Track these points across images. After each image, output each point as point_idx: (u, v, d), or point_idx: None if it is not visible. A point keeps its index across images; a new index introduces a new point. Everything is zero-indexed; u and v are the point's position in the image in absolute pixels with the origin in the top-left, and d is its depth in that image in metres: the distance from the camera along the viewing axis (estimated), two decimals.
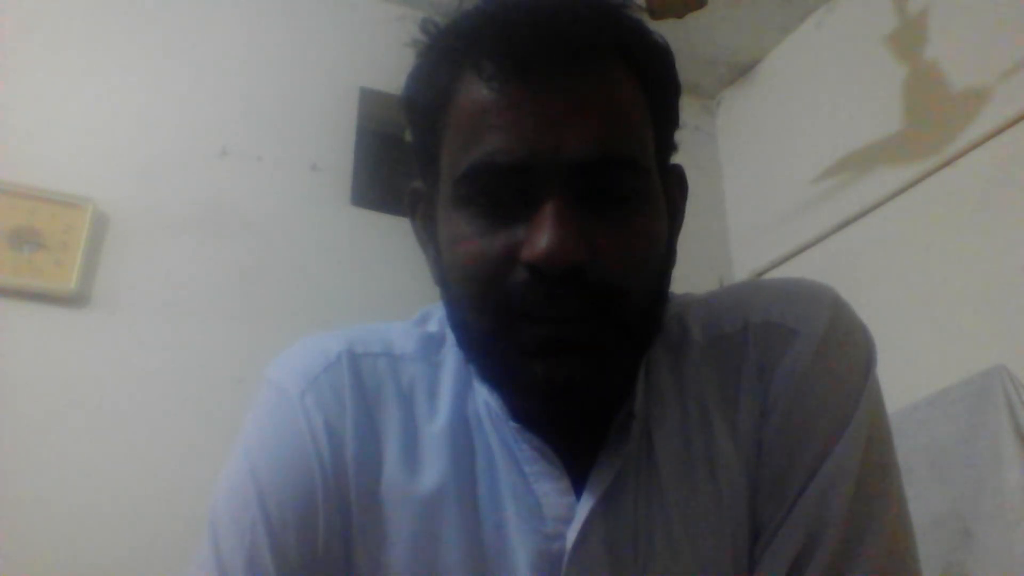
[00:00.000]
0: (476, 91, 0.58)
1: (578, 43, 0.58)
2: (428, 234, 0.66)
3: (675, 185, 0.67)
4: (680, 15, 1.74)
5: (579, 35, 0.58)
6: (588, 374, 0.57)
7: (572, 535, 0.61)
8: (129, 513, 1.60)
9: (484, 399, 0.66)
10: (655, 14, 1.69)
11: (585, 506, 0.61)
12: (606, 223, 0.57)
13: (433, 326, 0.71)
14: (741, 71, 2.55)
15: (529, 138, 0.56)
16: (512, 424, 0.64)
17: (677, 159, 0.68)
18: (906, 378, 1.76)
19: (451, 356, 0.68)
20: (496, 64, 0.57)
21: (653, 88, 0.62)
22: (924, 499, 1.58)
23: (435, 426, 0.65)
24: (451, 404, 0.66)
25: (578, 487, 0.63)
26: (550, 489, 0.62)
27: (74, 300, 1.71)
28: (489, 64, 0.58)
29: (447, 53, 0.61)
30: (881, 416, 0.65)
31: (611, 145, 0.58)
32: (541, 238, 0.55)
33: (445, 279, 0.63)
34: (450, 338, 0.69)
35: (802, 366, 0.63)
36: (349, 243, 2.01)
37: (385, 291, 1.96)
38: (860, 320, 0.67)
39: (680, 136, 0.67)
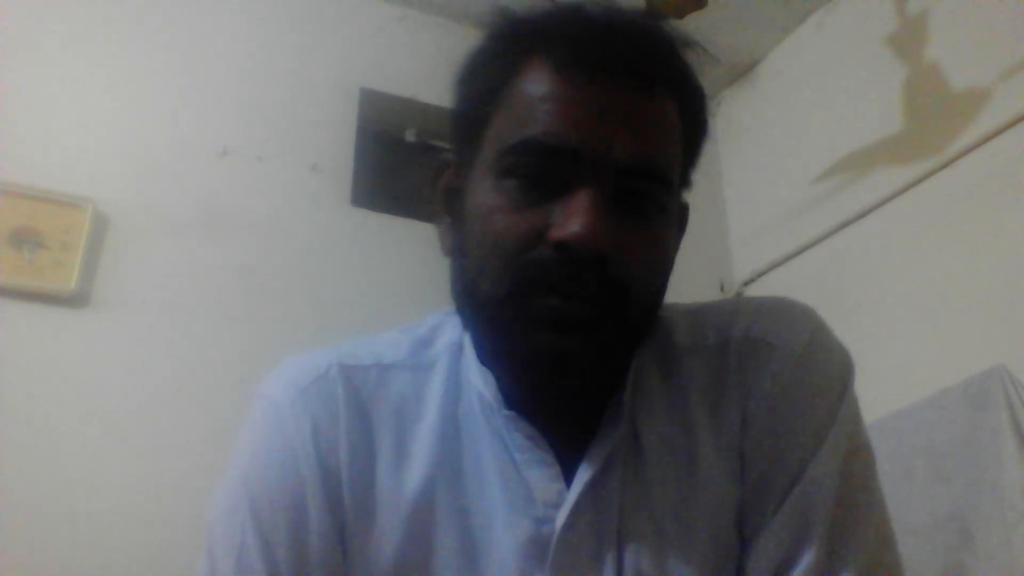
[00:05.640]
0: (543, 75, 0.63)
1: (646, 64, 0.63)
2: (448, 203, 0.69)
3: (680, 216, 0.71)
4: (680, 15, 1.74)
5: (648, 58, 0.63)
6: (588, 353, 0.61)
7: (561, 519, 0.63)
8: (129, 513, 1.59)
9: (477, 391, 0.68)
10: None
11: (574, 491, 0.64)
12: (630, 226, 0.61)
13: (423, 329, 0.73)
14: (741, 71, 2.55)
15: (583, 129, 0.60)
16: (505, 413, 0.66)
17: None
18: (906, 378, 1.76)
19: (442, 358, 0.71)
20: (568, 55, 0.62)
21: (690, 126, 0.67)
22: (924, 499, 1.59)
23: (423, 426, 0.67)
24: (440, 403, 0.68)
25: (568, 476, 0.65)
26: (541, 475, 0.65)
27: (74, 300, 1.71)
28: (563, 55, 0.62)
29: (520, 37, 0.66)
30: (860, 431, 0.67)
31: (654, 159, 0.62)
32: (576, 221, 0.59)
33: (463, 246, 0.65)
34: (441, 338, 0.71)
35: (781, 380, 0.66)
36: (349, 243, 2.01)
37: (385, 291, 1.96)
38: (839, 339, 0.70)
39: None
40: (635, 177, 0.61)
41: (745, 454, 0.65)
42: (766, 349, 0.67)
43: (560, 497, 0.64)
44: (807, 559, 0.61)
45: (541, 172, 0.61)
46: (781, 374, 0.66)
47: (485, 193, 0.63)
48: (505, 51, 0.66)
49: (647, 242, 0.63)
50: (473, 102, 0.67)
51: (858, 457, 0.65)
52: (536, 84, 0.63)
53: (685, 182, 0.69)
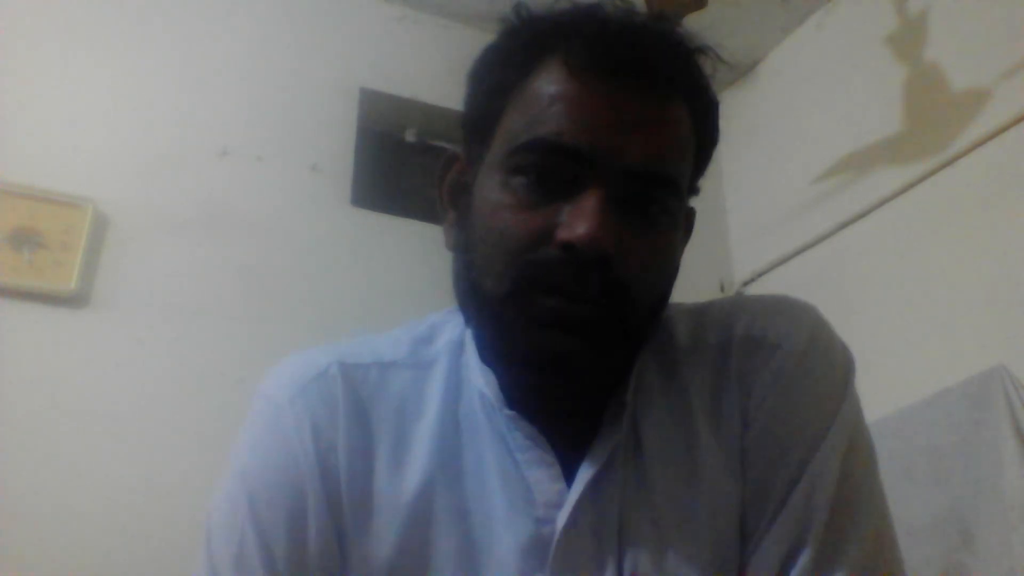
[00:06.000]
0: (558, 75, 0.62)
1: (661, 69, 0.62)
2: (454, 198, 0.69)
3: (686, 222, 0.71)
4: (680, 15, 1.74)
5: (663, 63, 0.63)
6: (586, 354, 0.61)
7: (562, 520, 0.63)
8: (128, 513, 1.59)
9: (478, 390, 0.68)
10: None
11: (575, 491, 0.64)
12: (636, 229, 0.61)
13: (423, 327, 0.73)
14: (741, 71, 2.55)
15: (595, 130, 0.60)
16: (507, 412, 0.66)
17: None
18: (906, 378, 1.76)
19: (443, 356, 0.70)
20: (584, 56, 0.62)
21: (701, 134, 0.66)
22: (924, 499, 1.59)
23: (423, 426, 0.67)
24: (441, 402, 0.68)
25: (568, 476, 0.65)
26: (542, 475, 0.65)
27: (74, 300, 1.71)
28: (578, 56, 0.62)
29: (536, 36, 0.65)
30: (861, 429, 0.67)
31: (664, 164, 0.62)
32: (583, 222, 0.59)
33: (468, 242, 0.65)
34: (441, 337, 0.71)
35: (782, 379, 0.66)
36: (349, 243, 2.01)
37: (385, 291, 1.96)
38: (840, 338, 0.70)
39: None
40: (644, 181, 0.61)
41: (746, 453, 0.65)
42: (767, 348, 0.67)
43: (561, 497, 0.64)
44: (804, 559, 0.61)
45: (550, 172, 0.61)
46: (782, 373, 0.66)
47: (493, 190, 0.63)
48: (520, 49, 0.65)
49: (652, 246, 0.62)
50: (485, 98, 0.67)
51: (859, 455, 0.65)
52: (550, 83, 0.62)
53: (693, 189, 0.69)
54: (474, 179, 0.66)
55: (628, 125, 0.61)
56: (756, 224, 2.41)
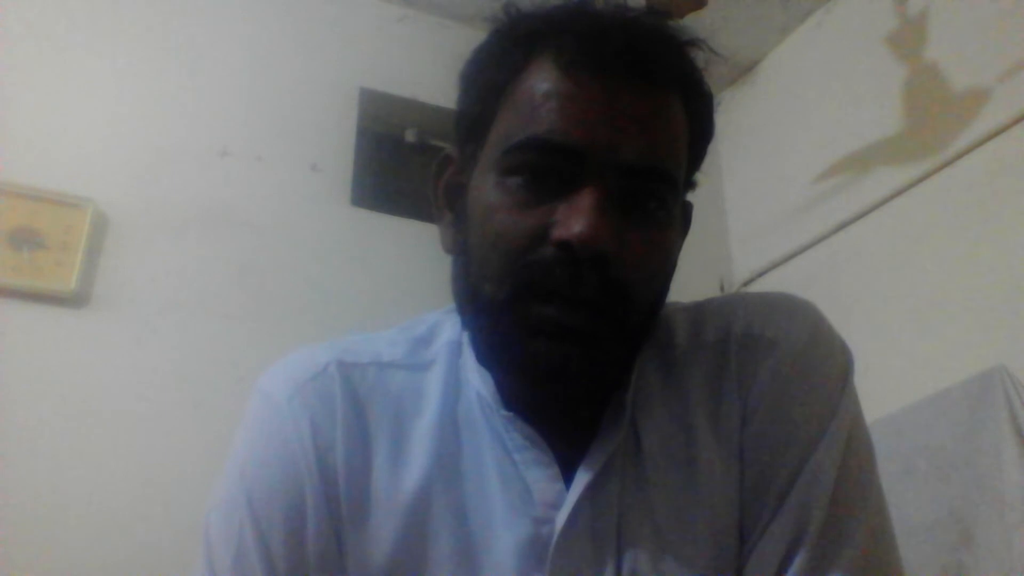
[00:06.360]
0: (550, 73, 0.62)
1: (653, 63, 0.62)
2: (450, 200, 0.69)
3: (684, 216, 0.70)
4: (680, 15, 1.74)
5: (655, 57, 0.62)
6: (583, 362, 0.60)
7: (561, 520, 0.63)
8: (129, 513, 1.59)
9: (476, 391, 0.67)
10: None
11: (574, 492, 0.63)
12: (633, 227, 0.61)
13: (422, 328, 0.73)
14: (741, 71, 2.55)
15: (589, 127, 0.60)
16: (503, 413, 0.65)
17: None
18: (906, 378, 1.76)
19: (441, 357, 0.70)
20: (576, 54, 0.61)
21: (696, 128, 0.66)
22: (924, 499, 1.59)
23: (421, 426, 0.67)
24: (439, 403, 0.68)
25: (567, 476, 0.64)
26: (540, 476, 0.64)
27: (74, 300, 1.71)
28: (570, 52, 0.61)
29: (527, 34, 0.65)
30: (860, 425, 0.66)
31: (660, 160, 0.62)
32: (579, 220, 0.58)
33: (465, 245, 0.65)
34: (440, 337, 0.71)
35: (781, 376, 0.65)
36: (349, 243, 2.01)
37: (385, 291, 1.96)
38: (839, 334, 0.69)
39: None
40: (640, 177, 0.61)
41: (745, 451, 0.65)
42: (766, 345, 0.67)
43: (560, 497, 0.64)
44: (801, 556, 0.60)
45: (545, 170, 0.61)
46: (781, 370, 0.65)
47: (488, 191, 0.63)
48: (511, 48, 0.65)
49: (650, 244, 0.62)
50: (478, 98, 0.66)
51: (857, 453, 0.64)
52: (542, 81, 0.62)
53: (689, 184, 0.68)
54: (469, 180, 0.66)
55: (622, 121, 0.60)
56: (756, 224, 2.41)
